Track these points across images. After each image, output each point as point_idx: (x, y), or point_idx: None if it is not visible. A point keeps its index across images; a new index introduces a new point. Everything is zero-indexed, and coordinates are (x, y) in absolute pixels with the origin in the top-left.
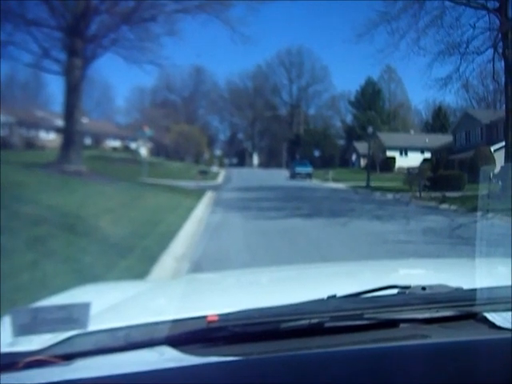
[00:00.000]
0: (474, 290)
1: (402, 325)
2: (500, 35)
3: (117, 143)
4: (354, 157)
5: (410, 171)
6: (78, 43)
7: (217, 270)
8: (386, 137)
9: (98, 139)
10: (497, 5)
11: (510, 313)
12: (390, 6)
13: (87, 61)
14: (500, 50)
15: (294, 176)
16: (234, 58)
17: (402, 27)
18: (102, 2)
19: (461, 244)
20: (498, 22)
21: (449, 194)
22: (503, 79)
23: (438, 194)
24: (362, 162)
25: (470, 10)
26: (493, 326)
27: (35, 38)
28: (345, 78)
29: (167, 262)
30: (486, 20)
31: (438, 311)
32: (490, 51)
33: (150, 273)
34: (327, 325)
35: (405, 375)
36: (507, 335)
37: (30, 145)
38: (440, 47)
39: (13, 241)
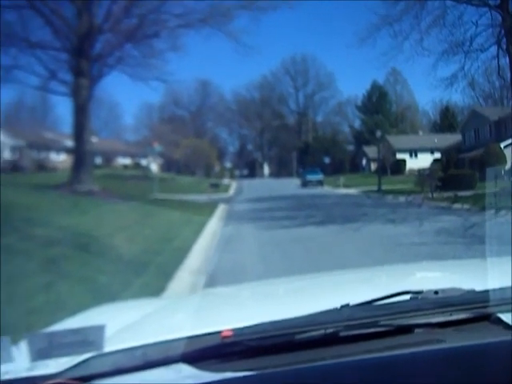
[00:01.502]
0: (486, 292)
1: (416, 330)
2: (503, 31)
3: (127, 161)
4: (363, 161)
5: (420, 172)
6: (83, 63)
7: (232, 282)
8: (394, 139)
9: (108, 158)
10: (498, 1)
11: None
12: (391, 8)
13: (94, 80)
14: (504, 46)
15: (305, 184)
16: (239, 70)
17: (405, 29)
18: (105, 21)
19: (475, 243)
20: (500, 18)
21: (461, 194)
22: (509, 75)
23: (450, 194)
24: (373, 166)
25: (471, 8)
26: (507, 326)
27: (41, 60)
28: (350, 83)
29: (183, 277)
30: (488, 17)
31: (451, 314)
32: (494, 48)
33: (166, 289)
34: (342, 334)
35: (422, 380)
36: None
37: (41, 167)
38: (444, 47)
39: (27, 263)
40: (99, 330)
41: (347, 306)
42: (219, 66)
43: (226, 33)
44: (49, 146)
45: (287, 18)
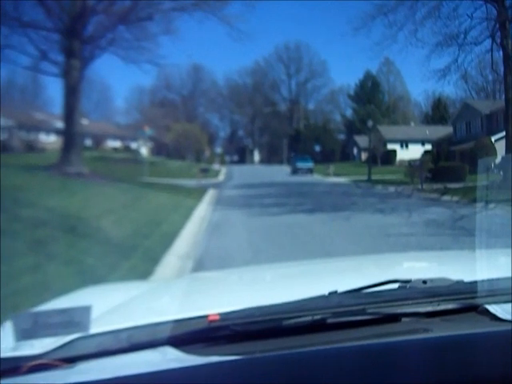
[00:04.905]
0: (474, 283)
1: (403, 319)
2: (498, 25)
3: (117, 143)
4: (354, 151)
5: (411, 164)
6: (75, 44)
7: (220, 267)
8: (386, 130)
9: (98, 140)
10: None
11: (510, 304)
12: None
13: (85, 62)
14: (498, 40)
15: (295, 171)
16: (232, 55)
17: (399, 19)
18: (99, 2)
19: (463, 235)
20: (495, 11)
21: (450, 186)
22: (502, 69)
23: (439, 186)
24: (363, 156)
25: (467, 1)
26: (494, 318)
27: (32, 40)
28: (343, 71)
29: (171, 261)
30: (483, 10)
31: (439, 304)
32: (488, 41)
33: (153, 273)
34: (329, 321)
35: (407, 369)
36: (508, 327)
37: (31, 147)
38: (438, 38)
39: (15, 243)
40: (85, 311)
41: (335, 293)
42: (212, 51)
43: (220, 17)
44: (38, 127)
45: (281, 4)
